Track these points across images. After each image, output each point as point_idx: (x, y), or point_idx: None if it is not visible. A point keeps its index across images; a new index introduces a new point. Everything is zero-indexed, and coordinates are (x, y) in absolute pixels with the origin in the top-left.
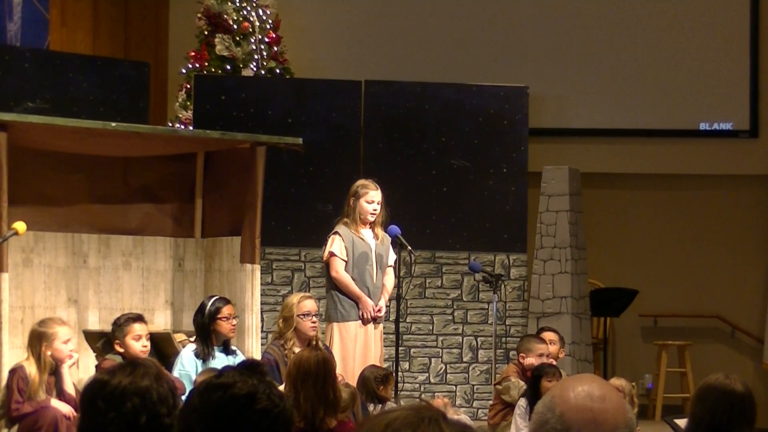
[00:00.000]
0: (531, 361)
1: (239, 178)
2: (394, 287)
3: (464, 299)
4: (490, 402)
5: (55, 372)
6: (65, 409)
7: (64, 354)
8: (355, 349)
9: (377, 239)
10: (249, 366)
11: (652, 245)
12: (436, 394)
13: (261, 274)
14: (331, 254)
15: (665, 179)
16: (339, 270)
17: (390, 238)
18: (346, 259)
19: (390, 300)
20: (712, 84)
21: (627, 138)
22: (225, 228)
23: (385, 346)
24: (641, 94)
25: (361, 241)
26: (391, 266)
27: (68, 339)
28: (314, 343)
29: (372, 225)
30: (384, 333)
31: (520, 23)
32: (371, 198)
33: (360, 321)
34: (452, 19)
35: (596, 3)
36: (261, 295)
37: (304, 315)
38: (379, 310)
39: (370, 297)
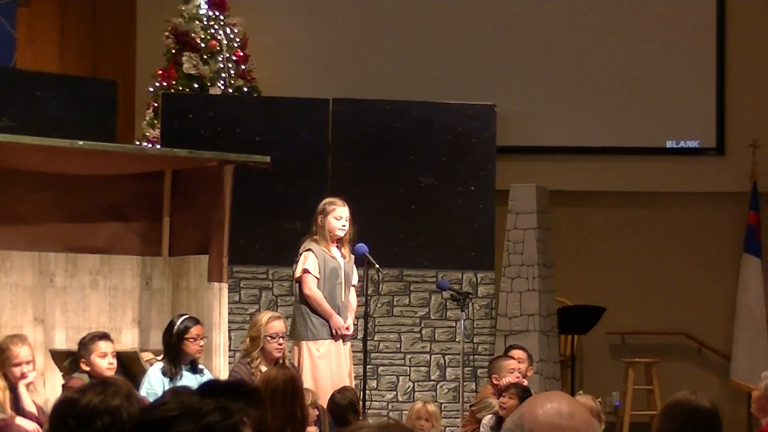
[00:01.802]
0: (507, 379)
1: (207, 197)
2: (359, 305)
3: (432, 317)
4: (458, 420)
5: (14, 390)
6: (30, 426)
7: (14, 375)
8: (330, 367)
9: (345, 258)
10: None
11: (619, 263)
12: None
13: (229, 292)
14: (305, 271)
15: (632, 197)
16: (312, 287)
17: (355, 257)
18: (318, 276)
19: (357, 318)
20: (679, 102)
21: (594, 156)
22: (193, 246)
23: (353, 364)
24: (608, 112)
25: (332, 259)
26: (354, 285)
27: (21, 361)
28: (282, 362)
29: (339, 243)
30: (352, 351)
31: (488, 42)
32: (339, 214)
33: (332, 339)
34: (420, 37)
35: (563, 22)
36: (229, 313)
37: (271, 336)
38: (347, 328)
39: (339, 315)
